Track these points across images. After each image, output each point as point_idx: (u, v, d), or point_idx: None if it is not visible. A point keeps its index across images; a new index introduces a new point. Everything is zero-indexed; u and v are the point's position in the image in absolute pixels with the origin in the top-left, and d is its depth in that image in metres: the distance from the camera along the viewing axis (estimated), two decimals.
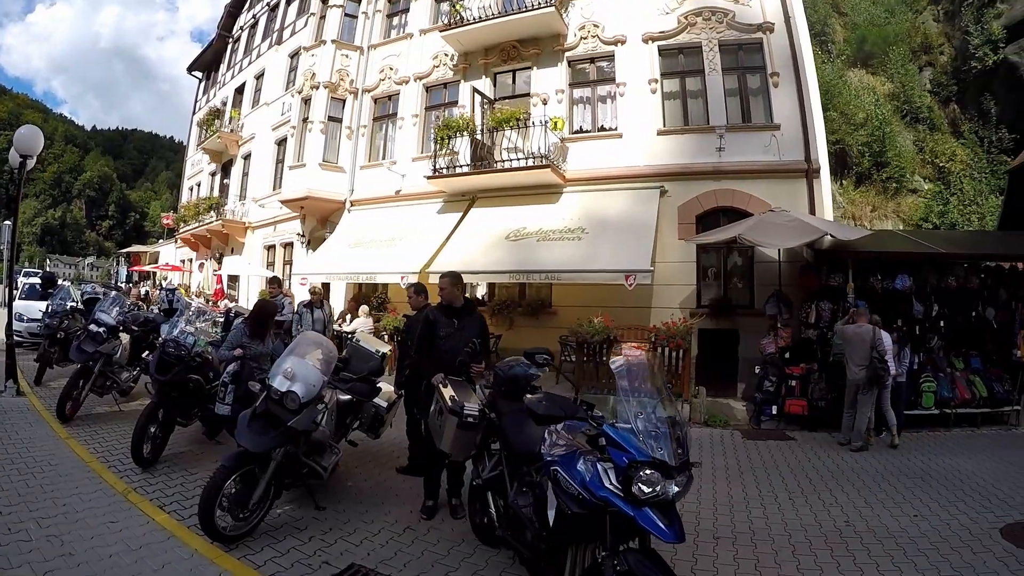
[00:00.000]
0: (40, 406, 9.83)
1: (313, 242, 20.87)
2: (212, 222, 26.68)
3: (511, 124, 15.44)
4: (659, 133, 14.93)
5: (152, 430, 7.42)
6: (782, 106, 14.11)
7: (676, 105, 15.26)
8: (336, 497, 6.71)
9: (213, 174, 30.87)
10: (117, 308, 9.92)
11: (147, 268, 40.87)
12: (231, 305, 18.05)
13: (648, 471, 3.51)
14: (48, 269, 38.24)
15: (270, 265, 23.75)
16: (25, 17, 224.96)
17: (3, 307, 14.62)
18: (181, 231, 31.61)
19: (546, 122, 14.79)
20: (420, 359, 6.64)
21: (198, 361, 7.86)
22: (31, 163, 11.18)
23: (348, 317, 16.85)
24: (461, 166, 16.08)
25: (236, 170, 27.73)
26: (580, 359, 12.57)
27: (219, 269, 26.87)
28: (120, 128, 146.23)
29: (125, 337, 9.87)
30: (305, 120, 20.16)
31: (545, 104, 15.86)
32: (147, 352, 10.50)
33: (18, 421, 8.89)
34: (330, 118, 19.88)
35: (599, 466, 3.74)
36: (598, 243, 13.30)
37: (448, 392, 5.71)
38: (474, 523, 5.75)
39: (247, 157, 26.85)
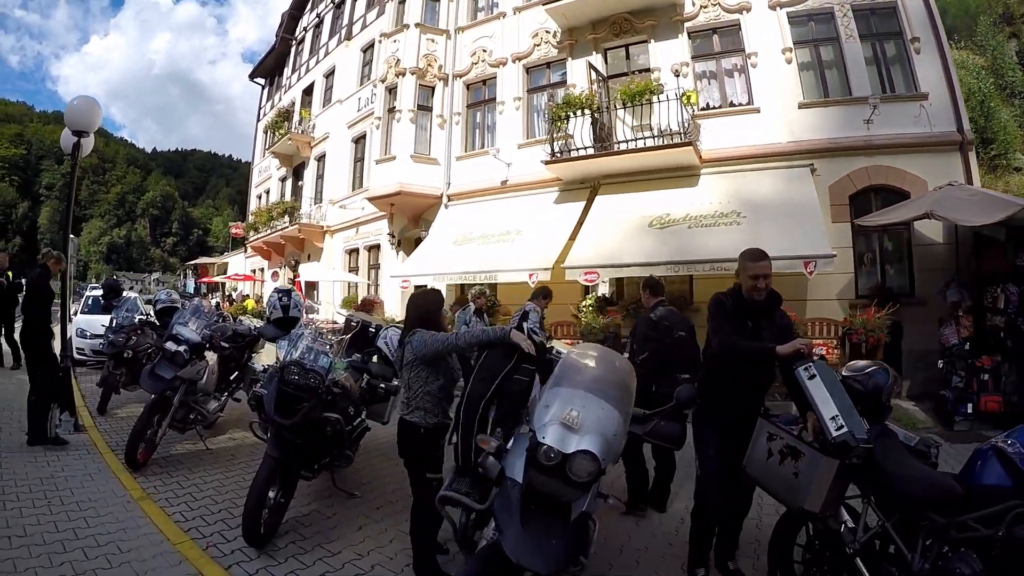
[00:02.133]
0: (104, 446, 7.14)
1: (404, 243, 18.21)
2: (286, 228, 24.10)
3: (645, 98, 12.71)
4: (800, 106, 12.72)
5: (271, 495, 4.74)
6: (926, 74, 12.12)
7: (811, 76, 13.08)
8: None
9: (283, 179, 28.41)
10: (201, 320, 7.25)
11: (216, 279, 38.37)
12: (351, 313, 15.15)
13: None
14: (114, 277, 35.60)
15: (353, 270, 21.12)
16: (81, 48, 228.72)
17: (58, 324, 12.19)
18: (252, 239, 29.09)
19: (680, 96, 12.33)
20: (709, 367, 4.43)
21: (336, 392, 5.17)
22: (88, 145, 8.31)
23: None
24: (579, 149, 13.40)
25: (309, 173, 25.19)
26: None
27: (296, 276, 24.26)
28: (179, 149, 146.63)
29: (211, 356, 7.33)
30: (391, 110, 17.47)
31: (678, 76, 13.14)
32: (236, 373, 8.20)
33: (76, 471, 6.16)
34: (419, 107, 17.17)
35: None
36: (761, 228, 10.92)
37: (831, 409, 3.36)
38: None
39: (320, 158, 24.42)
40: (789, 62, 12.89)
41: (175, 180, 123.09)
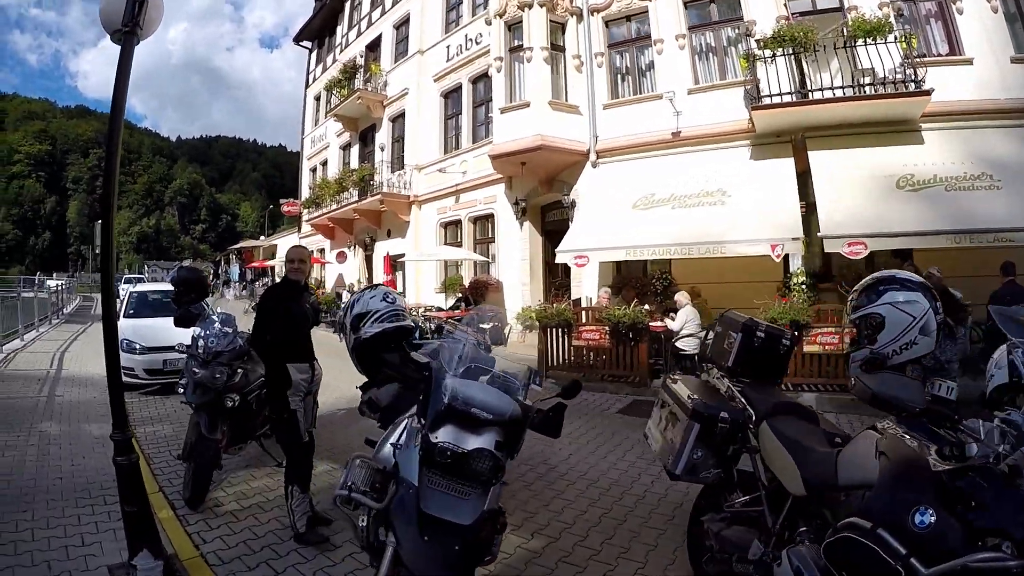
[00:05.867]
0: None
1: (530, 211, 14.51)
2: (360, 200, 20.31)
3: (878, 36, 10.18)
4: (1013, 61, 10.72)
5: None
6: None
7: (1016, 29, 11.12)
8: None
9: (345, 146, 24.68)
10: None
11: (270, 263, 34.47)
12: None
13: None
14: (189, 263, 30.12)
15: (453, 244, 17.53)
16: (98, 43, 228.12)
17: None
18: (312, 217, 25.36)
19: (904, 37, 10.25)
20: None
21: None
22: (158, 16, 3.99)
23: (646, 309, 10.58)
24: (780, 94, 10.70)
25: (383, 135, 21.33)
26: None
27: (370, 253, 20.69)
28: (204, 136, 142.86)
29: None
30: (515, 49, 13.82)
31: (900, 16, 10.66)
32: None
33: None
34: (552, 46, 13.59)
35: None
36: None
37: None
38: None
39: (396, 119, 20.71)
40: (995, 11, 10.87)
41: (201, 167, 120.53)
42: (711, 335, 9.80)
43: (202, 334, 5.26)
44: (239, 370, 5.17)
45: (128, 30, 3.79)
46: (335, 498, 2.74)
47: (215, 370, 5.00)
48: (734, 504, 3.28)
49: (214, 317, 5.53)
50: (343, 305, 4.23)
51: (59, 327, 18.96)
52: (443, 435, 2.51)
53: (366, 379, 4.29)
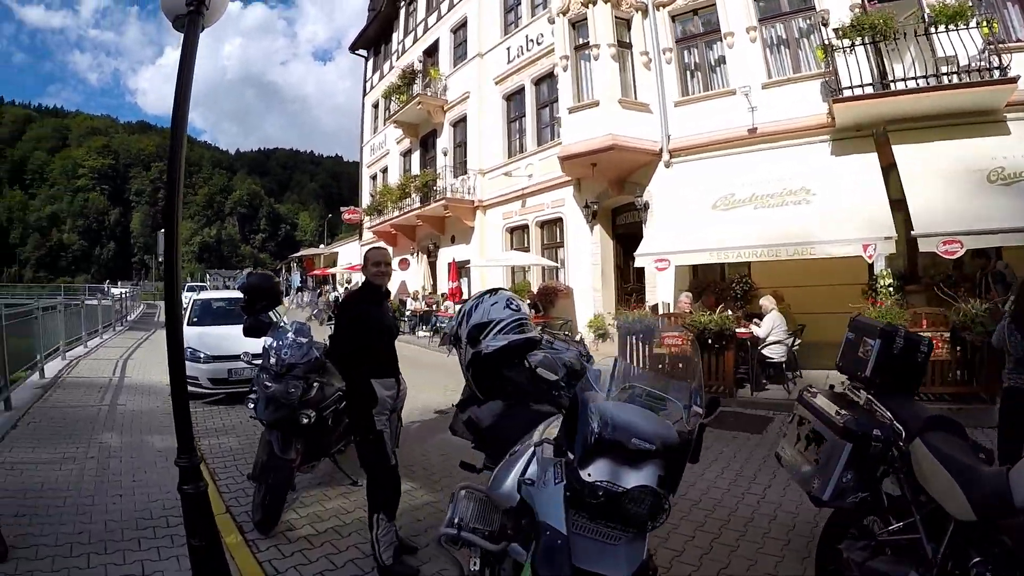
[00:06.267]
0: None
1: (600, 214, 14.32)
2: (423, 207, 20.39)
3: (960, 21, 9.57)
4: None
5: None
6: None
7: None
8: None
9: (406, 153, 24.84)
10: None
11: (332, 271, 34.87)
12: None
13: None
14: (257, 270, 29.59)
15: (520, 249, 17.46)
16: (156, 61, 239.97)
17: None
18: (373, 224, 25.63)
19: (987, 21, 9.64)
20: None
21: None
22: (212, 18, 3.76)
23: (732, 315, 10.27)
24: (860, 86, 10.17)
25: (444, 141, 21.49)
26: None
27: (434, 260, 20.68)
28: (261, 149, 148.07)
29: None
30: (581, 47, 13.65)
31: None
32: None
33: None
34: (619, 43, 13.37)
35: None
36: None
37: None
38: None
39: (457, 123, 20.82)
40: None
41: (260, 178, 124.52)
42: (798, 342, 9.50)
43: (274, 345, 4.85)
44: (315, 384, 4.82)
45: (193, 9, 3.52)
46: (440, 537, 2.53)
47: (289, 384, 4.62)
48: (885, 531, 2.98)
49: (287, 326, 5.16)
50: (457, 313, 3.88)
51: (123, 334, 19.40)
52: (596, 471, 2.16)
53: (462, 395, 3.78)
